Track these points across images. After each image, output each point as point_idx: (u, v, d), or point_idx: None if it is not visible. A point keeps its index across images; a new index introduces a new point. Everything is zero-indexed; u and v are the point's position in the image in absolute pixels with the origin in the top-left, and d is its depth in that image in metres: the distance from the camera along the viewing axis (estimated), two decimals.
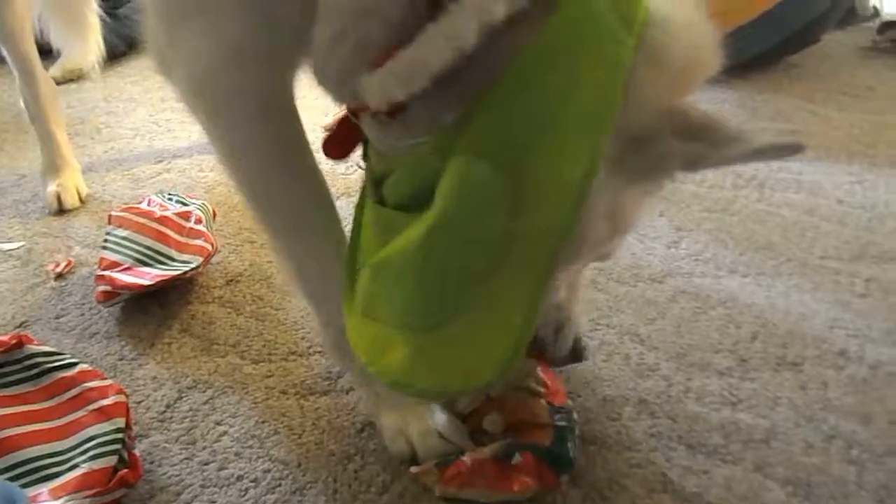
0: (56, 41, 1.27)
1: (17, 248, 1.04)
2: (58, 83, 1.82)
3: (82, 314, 0.88)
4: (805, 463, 0.62)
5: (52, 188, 1.14)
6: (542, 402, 0.64)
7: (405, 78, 0.44)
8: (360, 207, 0.60)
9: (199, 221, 0.90)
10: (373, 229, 0.55)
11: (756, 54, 1.54)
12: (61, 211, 1.14)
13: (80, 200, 1.17)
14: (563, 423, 0.62)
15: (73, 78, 1.86)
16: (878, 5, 1.99)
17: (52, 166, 1.17)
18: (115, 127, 1.52)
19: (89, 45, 1.24)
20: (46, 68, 1.82)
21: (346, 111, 0.57)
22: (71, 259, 0.98)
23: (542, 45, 0.43)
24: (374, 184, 0.54)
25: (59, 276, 0.95)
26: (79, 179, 1.18)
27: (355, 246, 0.58)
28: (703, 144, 0.47)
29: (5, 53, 1.12)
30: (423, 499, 0.60)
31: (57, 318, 0.87)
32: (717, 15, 0.50)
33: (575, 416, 0.64)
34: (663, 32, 0.46)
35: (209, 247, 0.87)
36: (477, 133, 0.45)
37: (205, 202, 0.96)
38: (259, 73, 0.55)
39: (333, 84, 0.52)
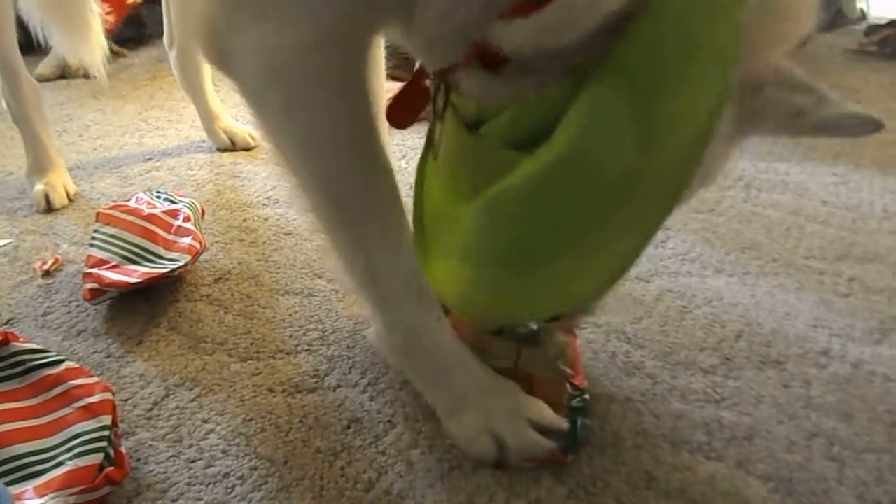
0: (58, 45, 1.25)
1: (4, 246, 1.03)
2: (47, 80, 1.83)
3: (69, 312, 0.87)
4: (787, 460, 0.63)
5: (39, 187, 1.14)
6: (566, 384, 0.65)
7: (556, 30, 0.44)
8: (423, 162, 0.62)
9: (187, 219, 0.90)
10: (460, 168, 0.56)
11: None
12: (49, 210, 1.13)
13: (69, 199, 1.16)
14: (577, 405, 0.64)
15: (61, 75, 1.86)
16: (865, 8, 2.01)
17: (38, 166, 1.16)
18: (104, 124, 1.52)
19: (93, 45, 1.22)
20: (36, 64, 1.83)
21: (416, 78, 0.58)
22: (58, 256, 0.98)
23: None
24: (469, 126, 0.55)
25: (47, 273, 0.95)
26: (66, 178, 1.18)
27: (420, 199, 0.61)
28: (809, 99, 0.48)
29: None
30: (408, 496, 0.60)
31: (44, 315, 0.87)
32: None
33: (587, 396, 0.65)
34: None
35: (197, 245, 0.87)
36: (611, 67, 0.45)
37: (193, 200, 0.96)
38: (348, 53, 0.53)
39: (445, 41, 0.51)
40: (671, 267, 0.92)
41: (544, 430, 0.62)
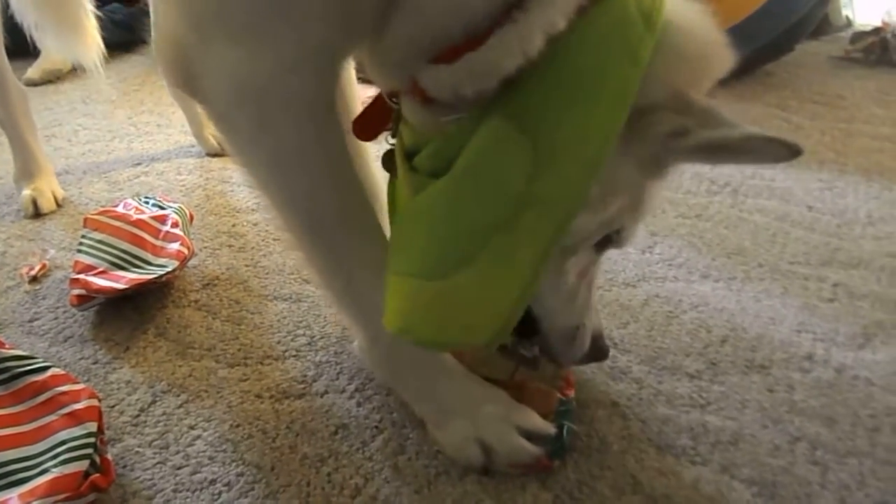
0: (54, 45, 1.24)
1: None
2: (36, 84, 1.82)
3: (56, 318, 0.87)
4: (771, 464, 0.63)
5: (27, 193, 1.14)
6: (557, 395, 0.66)
7: (476, 77, 0.50)
8: (391, 183, 0.64)
9: (175, 225, 0.90)
10: (409, 195, 0.59)
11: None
12: (37, 215, 1.13)
13: (57, 204, 1.16)
14: (564, 410, 0.65)
15: (51, 79, 1.85)
16: (850, 16, 2.03)
17: (26, 172, 1.16)
18: (93, 129, 1.51)
19: (89, 44, 1.22)
20: (25, 69, 1.82)
21: (381, 95, 0.61)
22: (45, 262, 0.97)
23: (579, 35, 0.48)
24: (407, 156, 0.58)
25: (34, 279, 0.94)
26: (54, 183, 1.18)
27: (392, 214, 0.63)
28: (692, 120, 0.50)
29: None
30: (395, 501, 0.60)
31: (30, 321, 0.87)
32: None
33: (574, 405, 0.66)
34: (677, 31, 0.51)
35: (185, 250, 0.86)
36: (511, 102, 0.50)
37: (182, 206, 0.96)
38: (321, 79, 0.54)
39: (390, 69, 0.55)
40: (658, 272, 0.93)
41: (531, 436, 0.62)
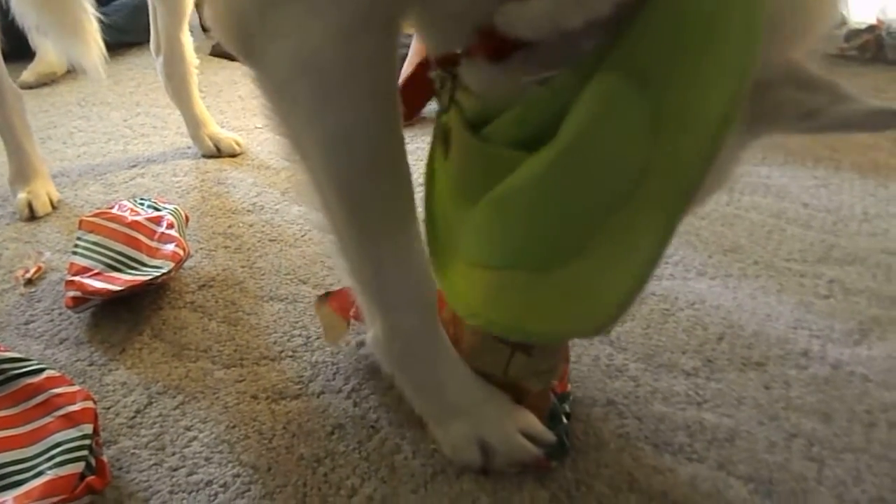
0: (55, 47, 1.22)
1: None
2: (31, 87, 1.82)
3: (52, 320, 0.87)
4: (767, 461, 0.63)
5: (22, 195, 1.13)
6: (550, 394, 0.65)
7: (571, 11, 0.42)
8: (431, 161, 0.60)
9: (171, 226, 0.90)
10: (468, 174, 0.54)
11: None
12: (33, 218, 1.12)
13: (52, 206, 1.16)
14: (563, 411, 0.64)
15: (46, 82, 1.85)
16: (845, 13, 2.03)
17: (21, 174, 1.15)
18: (89, 131, 1.51)
19: (89, 44, 1.21)
20: (20, 72, 1.82)
21: (420, 67, 0.55)
22: (41, 265, 0.97)
23: None
24: (471, 127, 0.52)
25: (29, 281, 0.94)
26: (49, 186, 1.17)
27: (431, 202, 0.59)
28: (823, 97, 0.45)
29: None
30: (391, 501, 0.60)
31: (26, 324, 0.86)
32: None
33: (570, 399, 0.66)
34: None
35: (181, 252, 0.86)
36: (621, 56, 0.42)
37: (177, 207, 0.96)
38: (380, 39, 0.49)
39: (451, 24, 0.49)
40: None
41: (531, 438, 0.62)
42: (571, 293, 0.46)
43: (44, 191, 1.15)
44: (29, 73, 1.82)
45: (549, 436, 0.62)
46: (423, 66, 0.58)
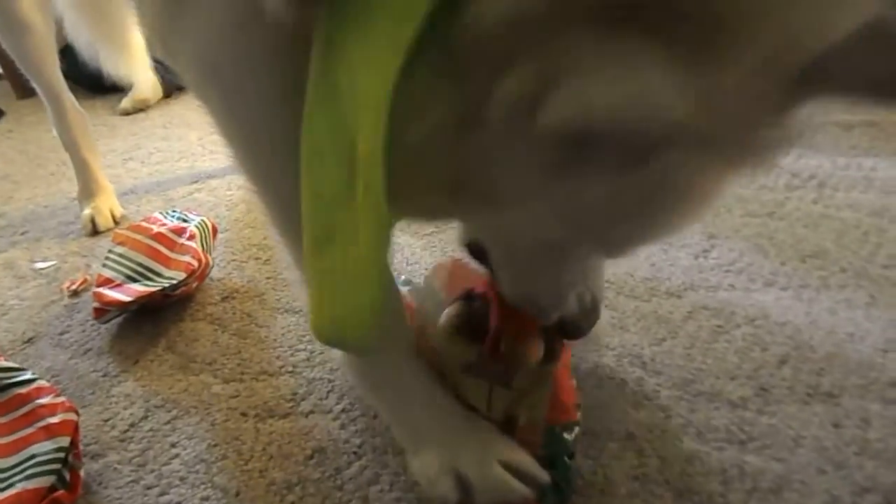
0: (105, 62, 1.30)
1: (49, 267, 1.09)
2: (128, 113, 1.96)
3: (84, 331, 0.89)
4: None
5: (87, 212, 1.19)
6: (543, 425, 0.56)
7: None
8: None
9: (192, 237, 0.89)
10: None
11: None
12: (95, 233, 1.18)
13: (115, 221, 1.21)
14: (556, 445, 0.55)
15: (141, 108, 1.98)
16: None
17: (87, 190, 1.22)
18: (166, 151, 1.59)
19: (136, 60, 1.27)
20: (119, 102, 1.97)
21: None
22: (87, 277, 1.01)
23: None
24: None
25: (74, 293, 0.98)
26: (113, 202, 1.23)
27: None
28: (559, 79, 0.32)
29: (34, 84, 1.16)
30: None
31: (61, 334, 0.89)
32: None
33: (577, 432, 0.56)
34: None
35: (195, 263, 0.85)
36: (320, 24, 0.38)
37: (205, 219, 0.96)
38: (274, 32, 0.47)
39: None
40: (711, 280, 0.79)
41: (518, 475, 0.53)
42: (331, 287, 0.43)
43: (106, 206, 1.21)
44: (126, 101, 1.96)
45: (539, 472, 0.53)
46: None
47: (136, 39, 1.21)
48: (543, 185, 0.37)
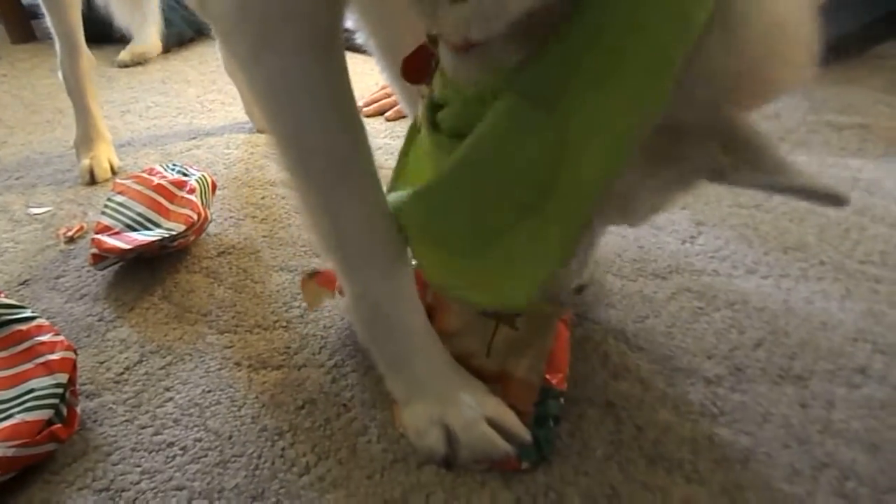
0: (116, 15, 1.28)
1: (44, 213, 1.09)
2: (126, 66, 1.94)
3: (79, 276, 0.90)
4: (784, 491, 0.53)
5: (85, 161, 1.19)
6: (537, 384, 0.59)
7: (483, 18, 0.42)
8: (413, 128, 0.63)
9: (192, 191, 0.90)
10: (429, 151, 0.58)
11: (834, 41, 1.39)
12: (93, 182, 1.18)
13: (113, 172, 1.21)
14: (549, 411, 0.58)
15: (140, 62, 1.96)
16: None
17: (86, 138, 1.22)
18: (164, 106, 1.58)
19: (146, 16, 1.26)
20: (116, 53, 1.95)
21: (427, 36, 0.57)
22: (83, 224, 1.01)
23: None
24: (432, 109, 0.56)
25: (70, 239, 0.99)
26: (111, 152, 1.23)
27: (401, 164, 0.63)
28: (737, 158, 0.46)
29: (50, 24, 1.15)
30: (342, 484, 0.56)
31: (57, 278, 0.90)
32: None
33: (562, 401, 0.59)
34: (748, 5, 0.41)
35: (194, 216, 0.87)
36: (531, 74, 0.45)
37: (204, 174, 0.97)
38: (313, 5, 0.51)
39: (419, 6, 0.51)
40: (696, 264, 0.82)
41: (502, 433, 0.56)
42: (492, 277, 0.50)
43: (105, 157, 1.21)
44: (125, 53, 1.94)
45: (522, 432, 0.56)
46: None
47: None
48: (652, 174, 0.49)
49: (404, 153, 0.64)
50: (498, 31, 0.43)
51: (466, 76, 0.50)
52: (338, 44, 0.53)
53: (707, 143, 0.46)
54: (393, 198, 0.57)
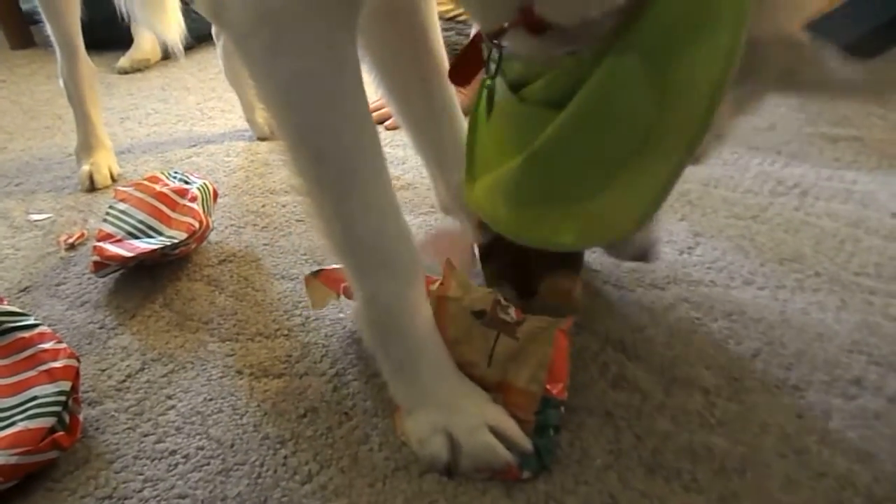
0: (139, 20, 1.29)
1: (44, 220, 1.09)
2: (126, 72, 1.95)
3: (80, 283, 0.90)
4: (781, 500, 0.54)
5: (85, 167, 1.20)
6: (538, 398, 0.59)
7: (585, 4, 0.51)
8: (474, 115, 0.68)
9: (193, 199, 0.91)
10: (506, 128, 0.63)
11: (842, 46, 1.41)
12: (93, 189, 1.18)
13: (113, 179, 1.22)
14: (549, 421, 0.58)
15: (139, 68, 1.97)
16: None
17: (87, 146, 1.22)
18: (164, 113, 1.59)
19: (170, 21, 1.27)
20: (118, 58, 1.96)
21: (475, 40, 0.64)
22: (84, 231, 1.02)
23: None
24: (513, 87, 0.61)
25: (71, 246, 0.99)
26: (111, 159, 1.23)
27: (472, 149, 0.68)
28: (802, 57, 0.50)
29: (50, 31, 1.16)
30: (344, 493, 0.56)
31: (57, 285, 0.91)
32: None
33: (562, 410, 0.60)
34: None
35: (196, 224, 0.87)
36: (631, 36, 0.50)
37: (206, 182, 0.97)
38: (338, 8, 0.53)
39: (497, 5, 0.57)
40: (693, 275, 0.83)
41: (503, 440, 0.57)
42: (603, 214, 0.55)
43: (105, 164, 1.21)
44: (125, 60, 1.95)
45: (524, 441, 0.56)
46: (476, 41, 0.64)
47: (173, 1, 1.21)
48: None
49: (470, 145, 0.69)
50: (598, 14, 0.50)
51: (546, 55, 0.56)
52: (353, 46, 0.55)
53: (776, 47, 0.51)
54: (485, 182, 0.63)
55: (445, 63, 0.77)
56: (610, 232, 0.56)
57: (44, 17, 1.13)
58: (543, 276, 0.72)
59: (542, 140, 0.56)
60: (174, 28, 1.27)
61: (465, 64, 0.65)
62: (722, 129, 0.57)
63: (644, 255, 0.75)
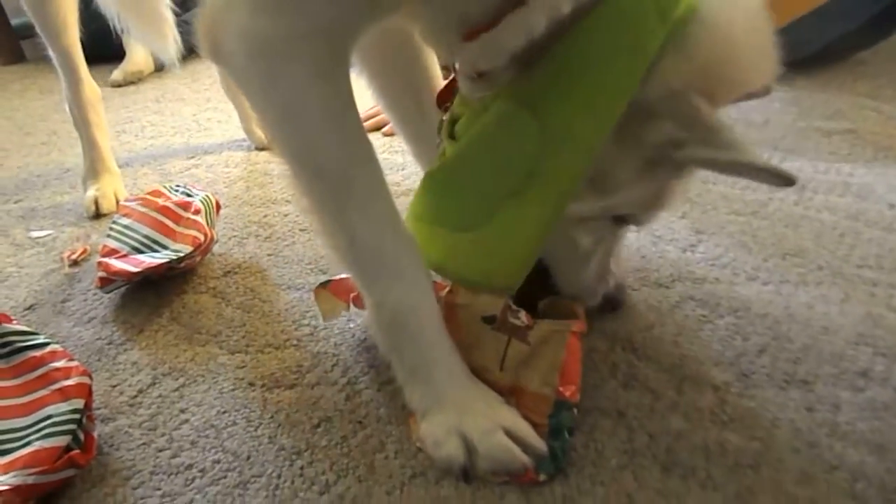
0: (135, 35, 1.28)
1: (45, 237, 1.09)
2: (119, 85, 1.94)
3: (86, 300, 0.90)
4: (796, 495, 0.54)
5: (91, 193, 1.16)
6: (551, 397, 0.60)
7: (488, 55, 0.57)
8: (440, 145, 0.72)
9: (197, 212, 0.91)
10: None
11: (819, 48, 1.42)
12: (98, 215, 1.15)
13: (117, 203, 1.20)
14: (563, 423, 0.59)
15: (133, 81, 1.97)
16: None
17: (93, 170, 1.19)
18: (160, 125, 1.59)
19: (167, 38, 1.27)
20: (111, 71, 1.95)
21: (443, 67, 0.72)
22: (87, 247, 1.02)
23: (587, 23, 0.53)
24: (451, 123, 0.67)
25: (74, 263, 0.99)
26: (118, 184, 1.20)
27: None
28: (691, 133, 0.54)
29: (51, 52, 1.14)
30: (362, 501, 0.56)
31: (63, 302, 0.90)
32: (777, 4, 0.56)
33: (575, 412, 0.60)
34: (699, 28, 0.53)
35: (201, 237, 0.87)
36: (521, 86, 0.57)
37: (208, 195, 0.97)
38: (330, 43, 0.55)
39: (440, 46, 0.65)
40: (697, 272, 0.84)
41: (518, 441, 0.57)
42: (483, 251, 0.60)
43: (111, 189, 1.18)
44: (118, 73, 1.95)
45: (539, 443, 0.57)
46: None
47: (167, 14, 1.21)
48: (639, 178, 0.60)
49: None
50: (500, 64, 0.57)
51: (478, 96, 0.62)
52: (346, 70, 0.58)
53: (663, 119, 0.55)
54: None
55: (440, 77, 0.81)
56: (493, 277, 0.61)
57: (42, 37, 1.12)
58: (543, 298, 0.72)
59: (437, 165, 0.64)
60: (170, 44, 1.27)
61: (446, 91, 0.72)
62: (655, 204, 0.63)
63: (613, 302, 0.74)
